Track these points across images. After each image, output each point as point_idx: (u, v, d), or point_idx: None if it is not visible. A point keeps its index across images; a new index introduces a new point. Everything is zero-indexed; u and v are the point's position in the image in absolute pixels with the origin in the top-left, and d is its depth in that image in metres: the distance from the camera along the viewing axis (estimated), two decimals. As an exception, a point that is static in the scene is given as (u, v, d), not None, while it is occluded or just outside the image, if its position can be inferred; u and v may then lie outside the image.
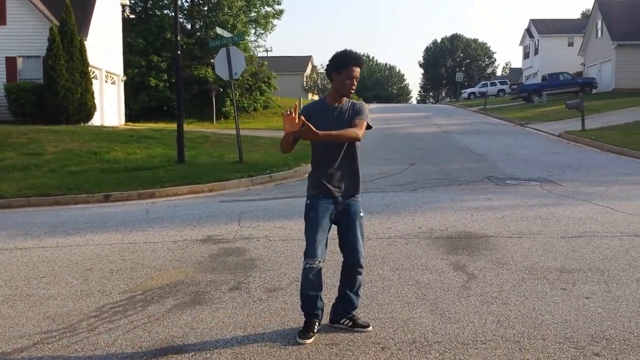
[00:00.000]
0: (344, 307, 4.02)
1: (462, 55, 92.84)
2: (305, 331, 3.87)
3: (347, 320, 4.01)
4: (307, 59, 69.33)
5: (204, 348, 3.79)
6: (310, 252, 3.81)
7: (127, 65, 28.73)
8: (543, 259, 5.57)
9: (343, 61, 3.77)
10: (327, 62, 3.91)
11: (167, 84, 30.09)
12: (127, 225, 7.92)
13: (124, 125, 26.22)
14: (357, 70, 3.77)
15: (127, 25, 30.39)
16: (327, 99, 3.92)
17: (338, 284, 4.11)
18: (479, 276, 5.10)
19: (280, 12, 36.65)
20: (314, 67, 70.77)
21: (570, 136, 18.80)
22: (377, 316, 4.19)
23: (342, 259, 4.07)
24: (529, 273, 5.13)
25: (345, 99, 3.86)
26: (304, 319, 3.94)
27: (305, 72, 65.70)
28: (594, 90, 38.26)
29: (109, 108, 25.44)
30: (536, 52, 57.38)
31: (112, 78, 26.33)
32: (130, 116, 29.22)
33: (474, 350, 3.63)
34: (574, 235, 6.44)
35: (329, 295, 4.67)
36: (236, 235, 7.04)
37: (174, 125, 14.52)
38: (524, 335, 3.82)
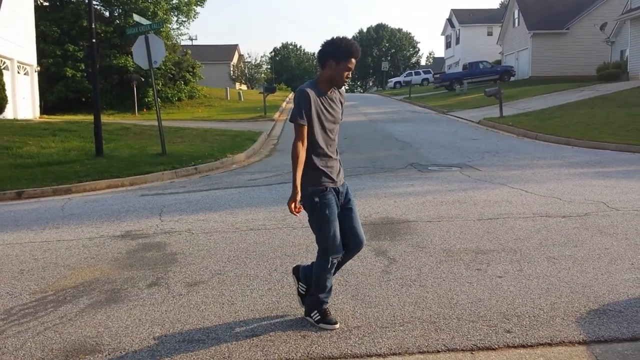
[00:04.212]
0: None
1: (387, 44, 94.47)
2: (330, 315, 3.85)
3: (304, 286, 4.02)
4: (234, 47, 68.38)
5: (119, 347, 3.66)
6: (336, 249, 3.71)
7: (42, 55, 27.26)
8: (460, 241, 5.76)
9: (346, 51, 3.57)
10: (321, 46, 3.64)
11: (85, 74, 28.80)
12: (40, 223, 7.53)
13: (39, 118, 24.91)
14: (355, 62, 3.66)
15: (41, 13, 28.80)
16: (321, 87, 3.69)
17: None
18: (399, 260, 5.19)
19: (203, -1, 35.91)
20: (240, 56, 69.91)
21: (489, 123, 19.54)
22: (299, 305, 4.17)
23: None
24: (446, 255, 5.28)
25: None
26: (321, 309, 3.85)
27: (231, 61, 64.79)
28: (512, 78, 39.97)
29: (22, 100, 24.07)
30: (457, 41, 59.19)
31: (25, 69, 24.90)
32: (45, 108, 27.82)
33: (392, 332, 3.69)
34: (489, 218, 6.69)
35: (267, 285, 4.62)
36: (157, 229, 6.84)
37: (92, 117, 13.91)
38: (440, 315, 3.92)
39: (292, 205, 3.55)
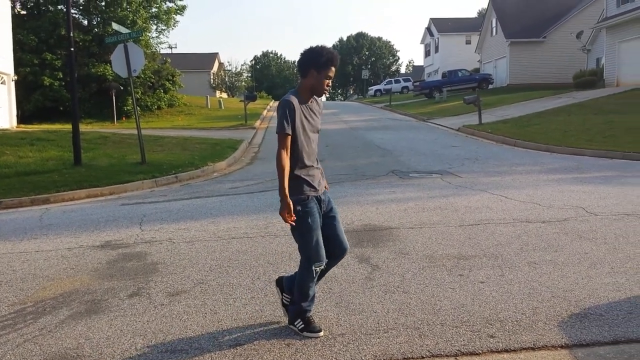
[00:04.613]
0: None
1: (367, 53, 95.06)
2: (314, 323, 3.85)
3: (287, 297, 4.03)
4: (214, 56, 68.20)
5: (100, 359, 3.60)
6: (319, 257, 3.70)
7: (19, 63, 26.89)
8: (442, 247, 5.79)
9: (327, 60, 3.57)
10: (301, 55, 3.64)
11: (63, 83, 28.44)
12: (18, 234, 7.40)
13: (16, 127, 24.56)
14: (335, 70, 3.65)
15: (18, 22, 28.43)
16: (303, 96, 3.67)
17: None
18: (382, 267, 5.20)
19: (183, 7, 35.68)
20: (220, 64, 69.77)
21: (469, 130, 19.72)
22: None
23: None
24: (429, 261, 5.31)
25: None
26: (305, 317, 3.85)
27: (212, 69, 64.60)
28: (490, 86, 40.45)
29: (-1, 109, 23.73)
30: (436, 50, 59.78)
31: (2, 78, 24.55)
32: (23, 118, 27.41)
33: (377, 339, 3.69)
34: (470, 224, 6.74)
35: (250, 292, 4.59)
36: (137, 239, 6.76)
37: (70, 126, 13.77)
38: (423, 321, 3.93)
39: (287, 214, 3.54)
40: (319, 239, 3.70)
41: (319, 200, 3.76)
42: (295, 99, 3.62)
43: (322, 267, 3.76)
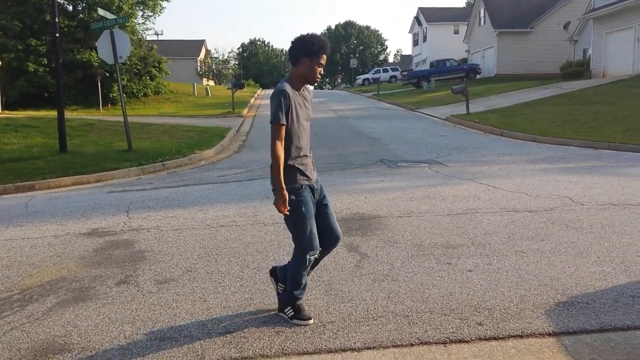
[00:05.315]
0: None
1: (355, 42, 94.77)
2: (304, 311, 3.86)
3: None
4: (201, 42, 67.66)
5: (89, 346, 3.58)
6: (313, 245, 3.70)
7: (3, 49, 26.52)
8: (430, 235, 5.81)
9: (318, 47, 3.56)
10: (292, 43, 3.61)
11: (48, 69, 28.04)
12: (2, 221, 7.32)
13: (0, 113, 24.24)
14: (326, 58, 3.64)
15: (2, 7, 27.98)
16: (295, 84, 3.65)
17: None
18: (371, 255, 5.21)
19: (170, -6, 35.35)
20: (207, 51, 69.23)
21: (456, 119, 19.77)
22: (273, 301, 4.15)
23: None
24: (417, 250, 5.33)
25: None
26: (295, 305, 3.86)
27: (199, 56, 64.11)
28: (478, 76, 40.53)
29: (-18, 95, 23.37)
30: (425, 39, 59.72)
31: (-15, 63, 24.20)
32: (7, 104, 27.05)
33: (366, 327, 3.70)
34: (458, 213, 6.77)
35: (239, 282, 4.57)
36: (124, 226, 6.71)
37: (55, 113, 13.60)
38: (412, 309, 3.95)
39: (282, 205, 3.53)
40: (313, 228, 3.70)
41: (312, 189, 3.75)
42: (290, 88, 3.59)
43: (316, 255, 3.76)
